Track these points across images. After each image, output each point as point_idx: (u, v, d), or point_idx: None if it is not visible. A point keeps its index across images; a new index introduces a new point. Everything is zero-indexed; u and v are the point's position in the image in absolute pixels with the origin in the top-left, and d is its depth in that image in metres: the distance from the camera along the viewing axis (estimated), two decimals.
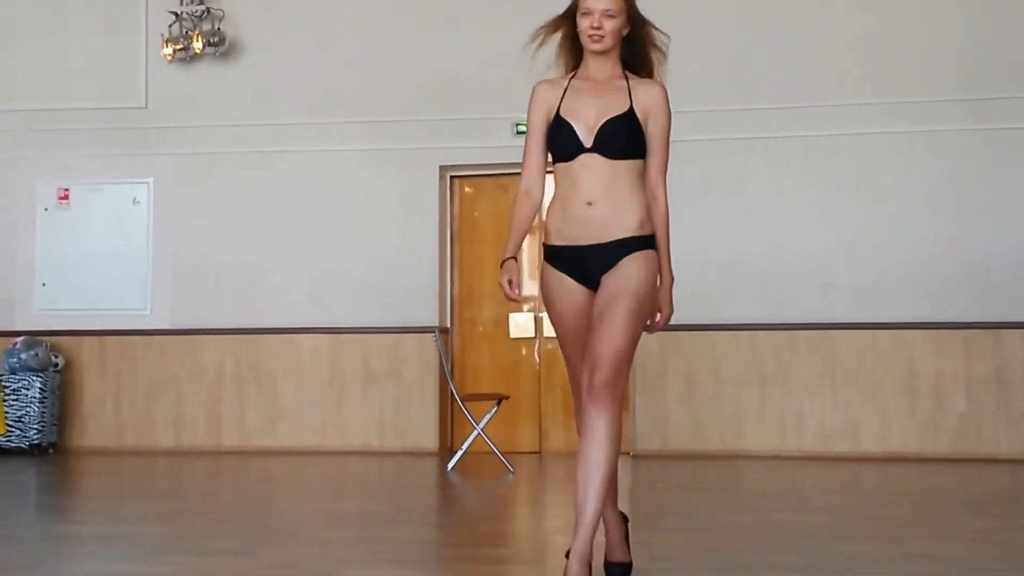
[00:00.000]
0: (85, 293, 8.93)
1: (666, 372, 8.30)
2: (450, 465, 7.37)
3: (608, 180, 3.48)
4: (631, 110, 3.52)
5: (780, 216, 8.32)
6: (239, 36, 8.94)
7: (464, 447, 7.54)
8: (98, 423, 8.82)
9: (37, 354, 8.52)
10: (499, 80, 8.36)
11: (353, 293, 8.71)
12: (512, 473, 7.19)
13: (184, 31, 8.82)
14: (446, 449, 8.49)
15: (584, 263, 3.49)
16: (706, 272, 8.21)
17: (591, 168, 3.48)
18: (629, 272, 3.43)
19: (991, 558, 4.06)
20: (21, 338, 8.58)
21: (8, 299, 8.96)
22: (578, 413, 3.57)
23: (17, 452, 8.42)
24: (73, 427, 8.83)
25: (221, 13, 8.84)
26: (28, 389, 8.43)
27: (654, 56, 3.66)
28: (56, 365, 8.70)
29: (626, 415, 8.36)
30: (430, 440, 8.53)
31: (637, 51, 3.64)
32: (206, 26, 8.82)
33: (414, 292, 8.68)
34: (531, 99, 3.59)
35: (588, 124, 3.50)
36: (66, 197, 9.03)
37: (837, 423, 8.11)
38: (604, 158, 3.48)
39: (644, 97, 3.54)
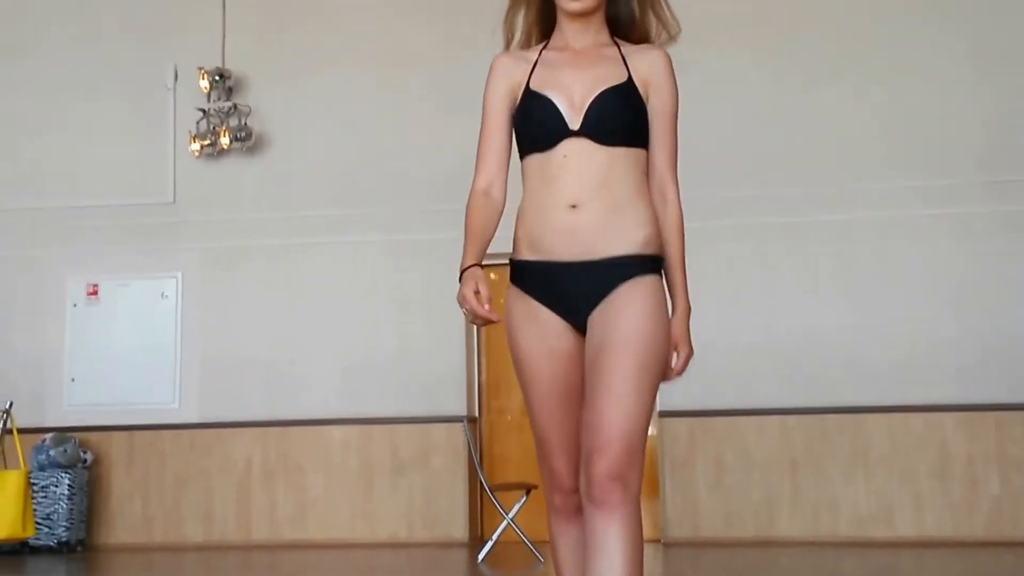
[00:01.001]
0: (113, 388, 8.95)
1: (695, 458, 8.25)
2: (481, 556, 7.31)
3: (601, 175, 2.62)
4: (630, 80, 2.68)
5: (807, 299, 8.32)
6: (265, 130, 9.07)
7: (494, 537, 7.48)
8: (126, 519, 8.79)
9: (66, 450, 8.52)
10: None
11: (381, 383, 8.71)
12: (542, 563, 7.13)
13: (212, 127, 8.94)
14: (476, 539, 8.43)
15: (565, 289, 2.63)
16: (734, 356, 8.19)
17: (578, 158, 2.62)
18: (633, 311, 2.55)
19: None
20: (50, 435, 8.58)
21: (38, 395, 8.97)
22: (554, 513, 2.74)
23: (46, 550, 8.38)
24: (101, 523, 8.79)
25: (248, 109, 8.97)
26: (57, 486, 8.41)
27: (651, 25, 2.82)
28: (85, 461, 8.69)
29: (656, 502, 8.30)
30: (460, 530, 8.47)
31: (630, 10, 2.81)
32: (233, 122, 8.94)
33: (442, 381, 8.68)
34: (489, 74, 2.78)
35: (573, 100, 2.65)
36: (95, 292, 9.10)
37: (871, 508, 8.03)
38: (596, 144, 2.62)
39: (644, 65, 2.71)
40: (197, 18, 9.15)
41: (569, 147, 2.63)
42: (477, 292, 2.56)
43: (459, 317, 8.74)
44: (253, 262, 8.98)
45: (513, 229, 2.73)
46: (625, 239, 2.61)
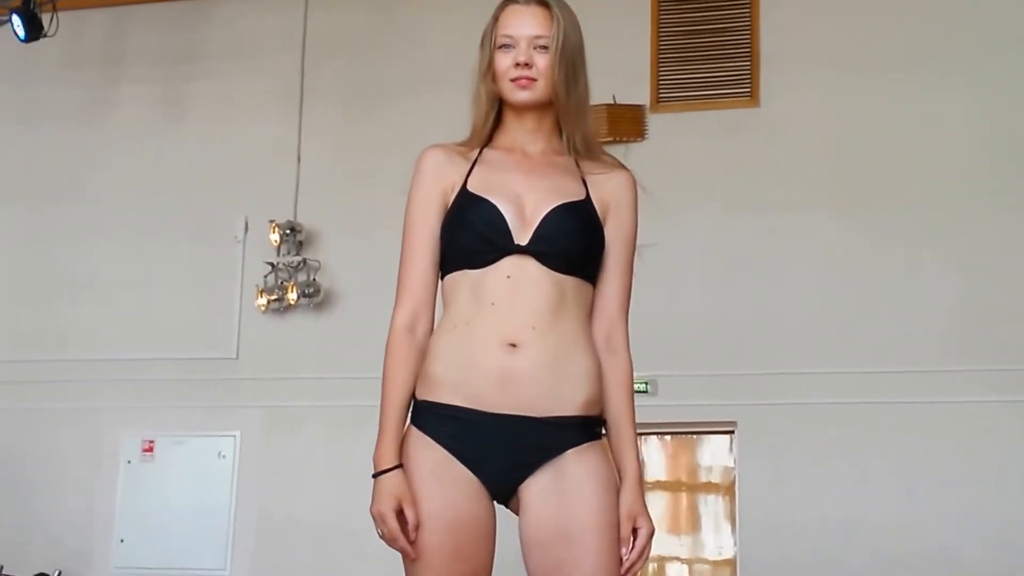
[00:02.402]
0: (163, 550, 8.59)
1: None
2: None
3: (548, 308, 2.21)
4: (588, 199, 2.31)
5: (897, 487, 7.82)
6: (334, 287, 8.83)
7: None
8: None
9: None
10: None
11: None
12: None
13: (279, 281, 8.72)
14: None
15: (491, 447, 2.20)
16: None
17: (522, 283, 2.20)
18: (593, 491, 2.17)
19: None
20: None
21: (86, 554, 8.63)
22: None
23: None
24: None
25: (317, 264, 8.76)
26: None
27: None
28: None
29: None
30: None
31: (579, 119, 2.37)
32: (301, 277, 8.72)
33: (503, 554, 8.19)
34: (416, 170, 2.42)
35: (522, 210, 2.25)
36: (150, 449, 8.81)
37: None
38: (544, 268, 2.21)
39: (607, 185, 2.35)
40: (270, 171, 9.02)
41: (512, 266, 2.22)
42: (399, 512, 2.14)
43: None
44: (315, 423, 8.65)
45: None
46: (573, 395, 2.22)
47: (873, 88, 8.37)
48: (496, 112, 2.44)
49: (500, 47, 2.38)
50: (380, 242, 8.78)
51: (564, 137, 2.41)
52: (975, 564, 7.59)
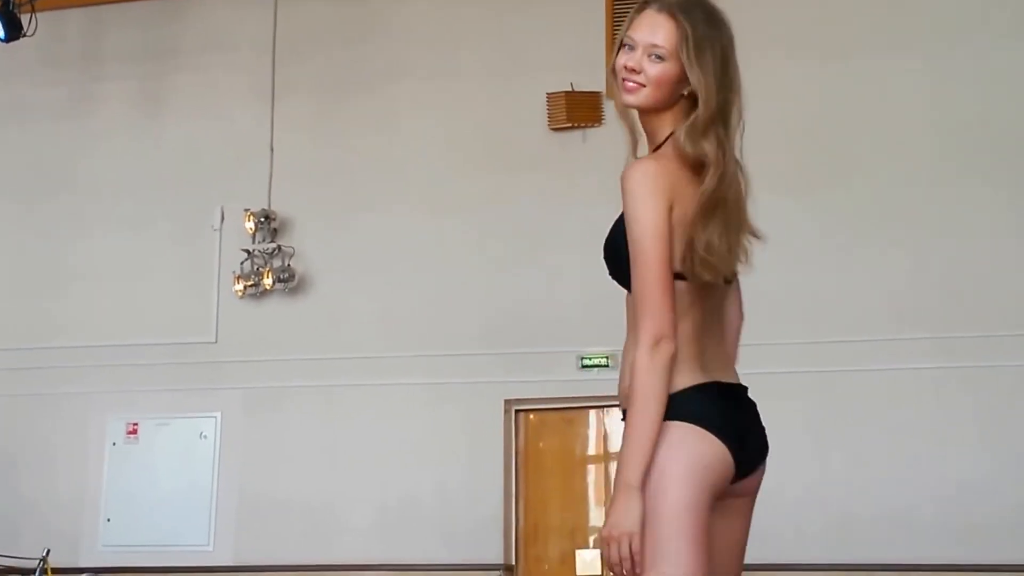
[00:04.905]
0: (149, 529, 8.86)
1: None
2: None
3: (630, 320, 2.44)
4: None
5: (851, 454, 8.10)
6: (308, 272, 9.11)
7: None
8: None
9: None
10: (564, 314, 8.42)
11: (418, 529, 8.56)
12: None
13: (255, 267, 9.01)
14: None
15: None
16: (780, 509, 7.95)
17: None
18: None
19: None
20: (83, 575, 8.51)
21: (73, 535, 8.91)
22: None
23: None
24: None
25: (292, 250, 9.04)
26: None
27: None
28: None
29: None
30: None
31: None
32: (276, 263, 9.01)
33: (480, 528, 8.51)
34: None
35: None
36: (135, 432, 9.09)
37: None
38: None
39: None
40: (244, 162, 9.31)
41: None
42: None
43: (498, 462, 8.62)
44: (293, 404, 8.94)
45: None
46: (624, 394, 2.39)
47: (825, 70, 8.64)
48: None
49: (623, 45, 2.45)
50: (351, 227, 9.15)
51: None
52: (926, 523, 7.88)
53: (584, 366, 8.49)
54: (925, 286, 8.25)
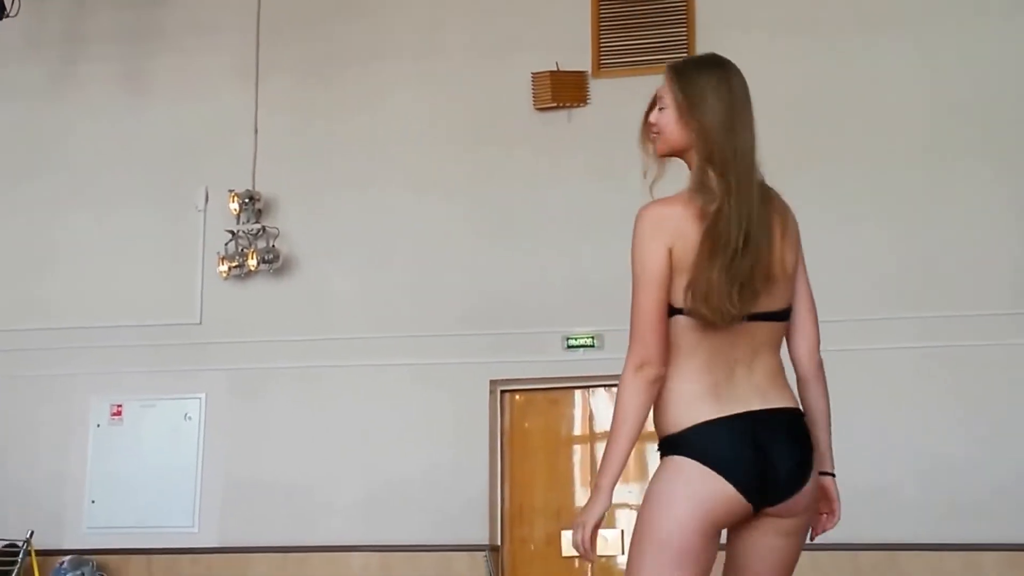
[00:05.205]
0: (133, 510, 8.85)
1: None
2: None
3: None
4: None
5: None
6: (292, 253, 9.09)
7: None
8: None
9: (83, 574, 8.41)
10: (549, 294, 8.41)
11: (403, 510, 8.56)
12: None
13: (240, 249, 8.98)
14: None
15: None
16: None
17: None
18: None
19: None
20: (68, 557, 8.48)
21: (57, 516, 8.89)
22: None
23: None
24: None
25: (276, 231, 9.02)
26: None
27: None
28: None
29: None
30: None
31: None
32: (261, 244, 8.98)
33: (465, 509, 8.51)
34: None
35: None
36: (119, 413, 9.07)
37: None
38: None
39: None
40: (228, 143, 9.28)
41: None
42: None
43: (484, 442, 8.62)
44: (278, 385, 8.93)
45: None
46: None
47: (809, 49, 8.64)
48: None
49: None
50: (336, 208, 9.13)
51: None
52: (908, 500, 7.93)
53: (570, 346, 8.49)
54: (909, 266, 8.29)
